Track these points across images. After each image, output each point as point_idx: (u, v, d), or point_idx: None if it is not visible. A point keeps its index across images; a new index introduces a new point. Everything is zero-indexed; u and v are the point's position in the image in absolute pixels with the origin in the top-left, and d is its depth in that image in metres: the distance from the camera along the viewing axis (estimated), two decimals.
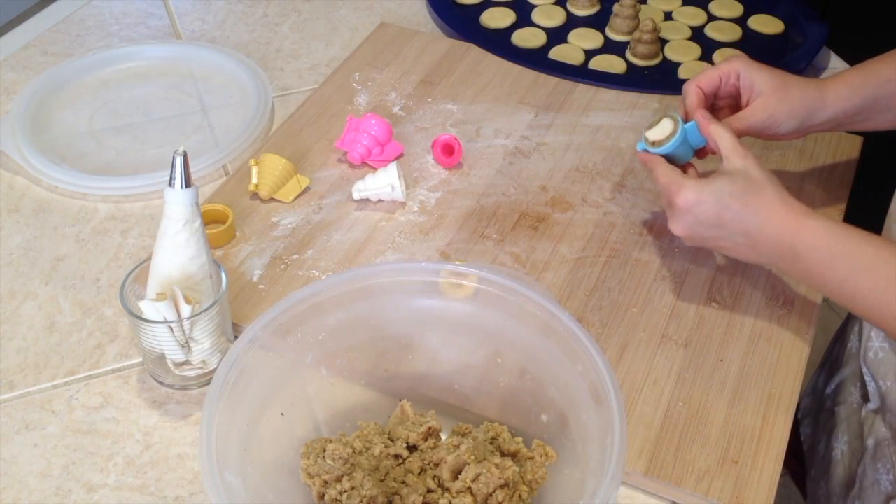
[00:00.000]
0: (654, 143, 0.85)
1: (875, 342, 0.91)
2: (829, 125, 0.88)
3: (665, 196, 0.82)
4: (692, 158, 0.87)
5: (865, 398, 0.94)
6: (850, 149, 1.04)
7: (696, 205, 0.78)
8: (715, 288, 0.88)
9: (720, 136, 0.81)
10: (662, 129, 0.85)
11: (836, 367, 1.04)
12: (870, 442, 0.91)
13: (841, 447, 0.98)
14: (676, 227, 0.81)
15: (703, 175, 0.84)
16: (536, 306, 0.71)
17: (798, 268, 0.77)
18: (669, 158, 0.85)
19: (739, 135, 0.85)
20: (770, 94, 0.85)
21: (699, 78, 0.87)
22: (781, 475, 0.75)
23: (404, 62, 1.16)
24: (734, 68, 0.87)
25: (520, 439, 0.71)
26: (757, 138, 0.89)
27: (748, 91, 0.86)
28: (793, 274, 0.79)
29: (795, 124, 0.86)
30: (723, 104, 0.90)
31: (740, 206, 0.77)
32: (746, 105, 0.87)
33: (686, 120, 0.86)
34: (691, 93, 0.87)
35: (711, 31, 1.25)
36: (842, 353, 1.03)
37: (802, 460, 1.09)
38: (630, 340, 0.84)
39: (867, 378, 0.92)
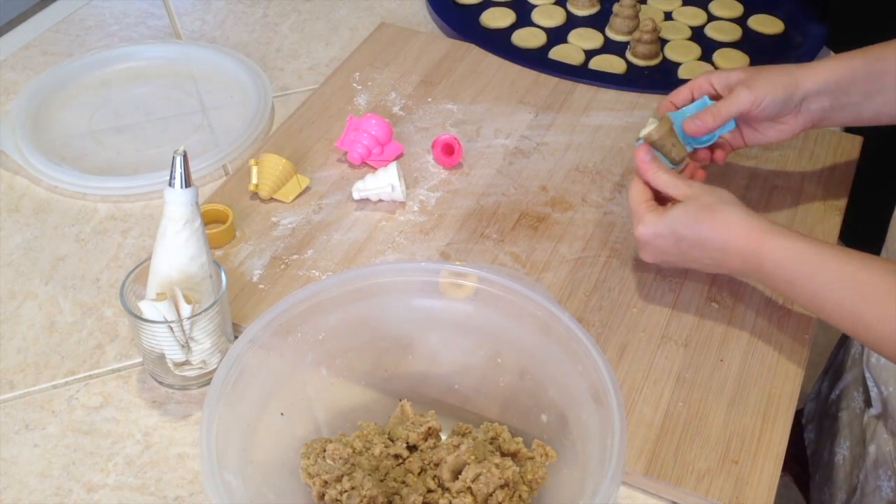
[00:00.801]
0: (639, 139, 0.84)
1: None
2: (822, 101, 0.85)
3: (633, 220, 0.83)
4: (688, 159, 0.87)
5: (868, 403, 0.93)
6: (850, 149, 1.04)
7: (654, 237, 0.80)
8: (715, 288, 0.88)
9: (662, 181, 0.81)
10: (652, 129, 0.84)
11: (839, 372, 1.04)
12: (871, 448, 0.91)
13: (843, 453, 0.97)
14: (643, 256, 0.83)
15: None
16: (536, 306, 0.71)
17: (770, 282, 0.78)
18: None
19: (728, 119, 0.84)
20: (747, 76, 0.85)
21: (672, 94, 0.89)
22: (783, 477, 0.75)
23: (404, 62, 1.16)
24: (704, 78, 0.87)
25: (520, 439, 0.71)
26: (756, 144, 0.89)
27: (725, 87, 0.86)
28: (768, 287, 0.79)
29: (780, 96, 0.84)
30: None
31: (695, 234, 0.78)
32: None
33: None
34: (662, 107, 0.88)
35: (711, 31, 1.25)
36: (845, 358, 1.03)
37: (807, 465, 1.09)
38: (630, 340, 0.84)
39: (870, 383, 0.92)
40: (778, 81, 0.84)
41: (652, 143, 0.84)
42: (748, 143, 0.90)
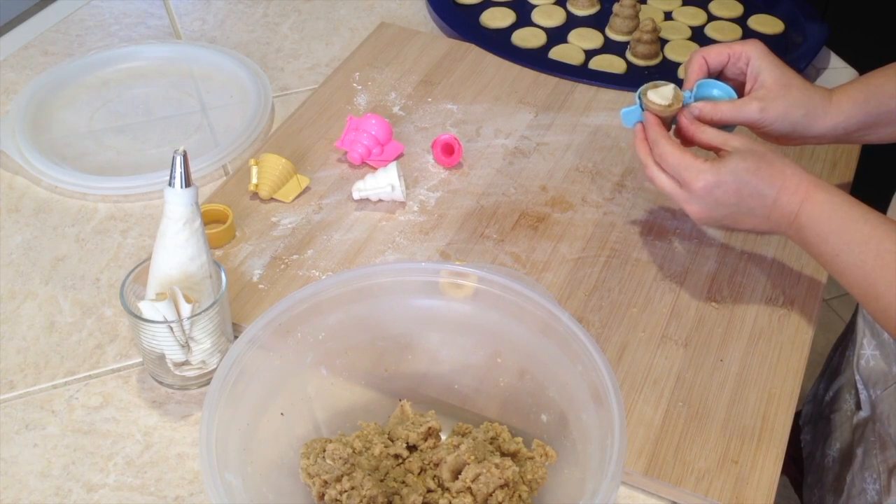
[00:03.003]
0: (650, 105, 0.82)
1: (867, 350, 0.91)
2: (828, 139, 0.86)
3: (678, 178, 0.79)
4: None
5: (858, 406, 0.93)
6: (850, 149, 1.04)
7: (716, 186, 0.77)
8: (715, 288, 0.88)
9: (709, 135, 0.80)
10: (664, 95, 0.82)
11: (835, 374, 1.04)
12: (859, 451, 0.91)
13: (833, 454, 0.98)
14: (692, 209, 0.79)
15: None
16: (536, 306, 0.71)
17: (800, 238, 0.77)
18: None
19: (729, 123, 0.84)
20: (770, 88, 0.83)
21: (708, 49, 0.86)
22: (781, 477, 0.75)
23: (404, 62, 1.16)
24: (746, 52, 0.85)
25: (520, 439, 0.71)
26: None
27: (753, 80, 0.85)
28: (798, 244, 0.78)
29: (787, 128, 0.84)
30: (729, 84, 0.88)
31: (757, 181, 0.76)
32: (748, 93, 0.85)
33: (683, 87, 0.85)
34: (695, 62, 0.86)
35: (711, 31, 1.25)
36: (841, 361, 1.03)
37: (802, 466, 1.09)
38: (630, 340, 0.84)
39: (860, 386, 0.92)
40: (791, 114, 0.83)
41: (654, 112, 0.82)
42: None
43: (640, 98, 0.83)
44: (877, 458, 0.89)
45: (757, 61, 0.84)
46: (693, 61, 0.86)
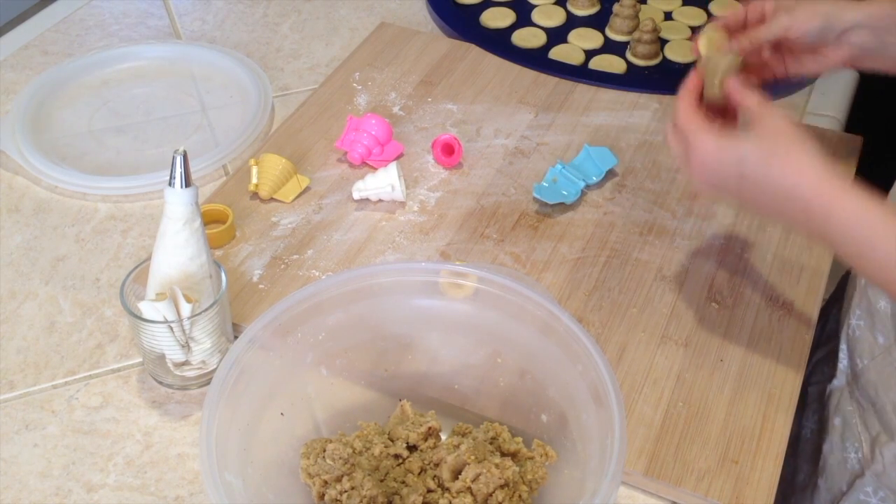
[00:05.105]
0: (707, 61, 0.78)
1: (853, 319, 0.91)
2: (863, 36, 0.83)
3: (682, 139, 0.74)
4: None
5: (833, 376, 0.94)
6: (851, 149, 1.04)
7: (717, 162, 0.71)
8: (715, 288, 0.88)
9: (747, 99, 0.73)
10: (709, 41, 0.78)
11: (814, 347, 1.04)
12: (837, 420, 0.92)
13: (811, 426, 0.98)
14: (697, 180, 0.74)
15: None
16: (536, 306, 0.71)
17: (831, 244, 0.71)
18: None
19: (761, 42, 0.83)
20: (792, 3, 0.83)
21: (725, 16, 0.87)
22: None
23: (404, 62, 1.16)
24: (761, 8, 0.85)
25: (520, 439, 0.71)
26: (796, 74, 0.86)
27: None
28: (830, 247, 0.72)
29: (818, 26, 0.81)
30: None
31: (762, 177, 0.70)
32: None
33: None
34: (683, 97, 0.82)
35: None
36: (821, 335, 1.03)
37: None
38: (630, 340, 0.84)
39: (842, 355, 0.92)
40: (819, 10, 0.82)
41: (703, 65, 0.77)
42: (789, 72, 0.86)
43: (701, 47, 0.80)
44: (857, 427, 0.89)
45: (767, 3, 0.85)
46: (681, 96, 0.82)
